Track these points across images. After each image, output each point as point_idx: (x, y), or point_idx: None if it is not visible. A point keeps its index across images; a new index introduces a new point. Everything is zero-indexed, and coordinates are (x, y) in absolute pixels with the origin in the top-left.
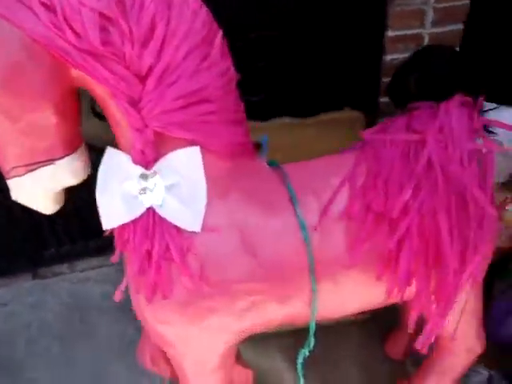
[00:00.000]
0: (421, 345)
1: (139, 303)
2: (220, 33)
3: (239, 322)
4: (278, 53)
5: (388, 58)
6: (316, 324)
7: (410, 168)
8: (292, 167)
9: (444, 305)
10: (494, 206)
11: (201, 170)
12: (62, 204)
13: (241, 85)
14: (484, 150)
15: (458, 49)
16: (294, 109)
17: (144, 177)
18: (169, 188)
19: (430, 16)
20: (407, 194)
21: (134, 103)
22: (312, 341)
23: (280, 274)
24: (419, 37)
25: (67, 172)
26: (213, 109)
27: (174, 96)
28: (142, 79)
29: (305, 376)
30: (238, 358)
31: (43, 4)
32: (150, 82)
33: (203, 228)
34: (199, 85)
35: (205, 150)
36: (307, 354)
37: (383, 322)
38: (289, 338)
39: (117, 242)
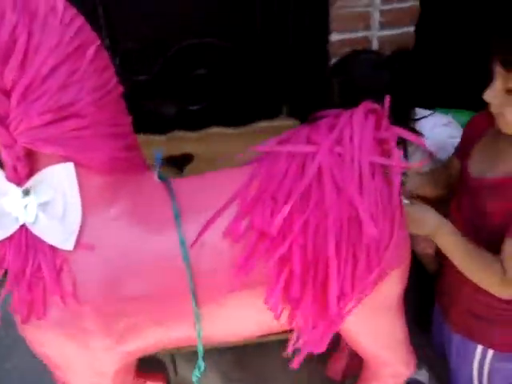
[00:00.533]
0: (295, 364)
1: (19, 324)
2: (94, 45)
3: (121, 345)
4: (218, 60)
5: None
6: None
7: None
8: (184, 181)
9: (322, 329)
10: (400, 224)
11: (75, 186)
12: None
13: (180, 93)
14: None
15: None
16: (234, 117)
17: (16, 194)
18: (42, 205)
19: (377, 19)
20: (286, 210)
21: (2, 120)
22: (202, 364)
23: (157, 297)
24: (367, 40)
25: None
26: (85, 124)
27: (39, 111)
28: (8, 95)
29: None
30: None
31: None
32: (14, 98)
33: (77, 246)
34: (68, 100)
35: (80, 166)
36: (198, 376)
37: None
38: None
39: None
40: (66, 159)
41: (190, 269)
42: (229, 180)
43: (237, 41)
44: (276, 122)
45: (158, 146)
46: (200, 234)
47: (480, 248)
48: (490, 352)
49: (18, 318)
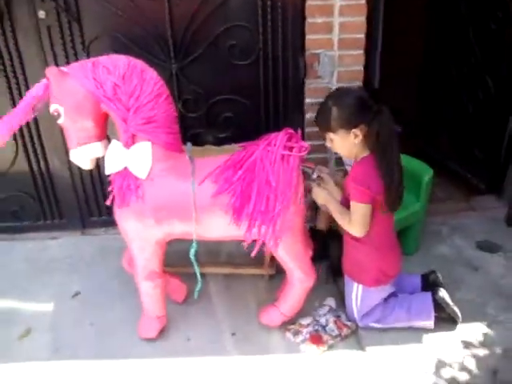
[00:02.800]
0: (254, 254)
1: (116, 212)
2: (166, 93)
3: (160, 226)
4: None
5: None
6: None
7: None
8: (199, 159)
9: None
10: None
11: (149, 151)
12: (93, 167)
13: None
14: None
15: None
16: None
17: (125, 152)
18: (134, 158)
19: None
20: (238, 174)
21: (126, 121)
22: (195, 245)
23: (180, 207)
24: None
25: (97, 148)
26: (157, 126)
27: (140, 118)
28: (129, 111)
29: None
30: (176, 277)
31: (94, 78)
32: (130, 112)
33: (146, 178)
34: (151, 114)
35: (153, 144)
36: (194, 255)
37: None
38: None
39: (112, 182)
40: (147, 140)
41: (194, 196)
42: (221, 160)
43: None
44: None
45: (195, 152)
46: (201, 181)
47: (344, 208)
48: (360, 286)
49: (116, 207)
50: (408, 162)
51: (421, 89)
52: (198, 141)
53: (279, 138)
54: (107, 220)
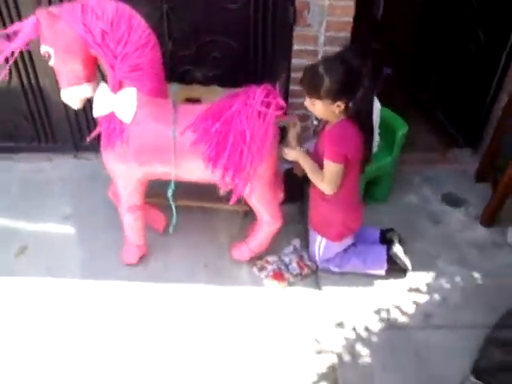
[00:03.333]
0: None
1: (102, 152)
2: (153, 39)
3: (142, 167)
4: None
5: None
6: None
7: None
8: (183, 106)
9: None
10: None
11: (135, 97)
12: (81, 106)
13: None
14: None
15: None
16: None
17: (113, 97)
18: (119, 103)
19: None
20: (207, 123)
21: (113, 67)
22: (173, 185)
23: (161, 151)
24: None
25: (86, 89)
26: (142, 73)
27: (125, 65)
28: (116, 58)
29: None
30: (156, 208)
31: (83, 23)
32: (118, 59)
33: (131, 122)
34: (137, 62)
35: (138, 90)
36: (171, 192)
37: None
38: None
39: (99, 124)
40: (133, 86)
41: (174, 142)
42: (201, 108)
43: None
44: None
45: (182, 91)
46: (184, 130)
47: (317, 166)
48: (324, 239)
49: (102, 148)
50: (386, 114)
51: (418, 33)
52: (186, 78)
53: (257, 93)
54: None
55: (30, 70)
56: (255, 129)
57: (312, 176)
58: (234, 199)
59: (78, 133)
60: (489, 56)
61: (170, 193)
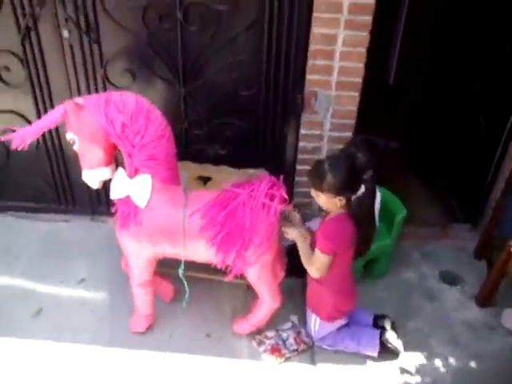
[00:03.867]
0: (229, 278)
1: (117, 232)
2: (169, 131)
3: (153, 248)
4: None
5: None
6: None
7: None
8: (194, 192)
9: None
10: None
11: (149, 184)
12: (100, 186)
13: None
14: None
15: None
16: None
17: (129, 182)
18: (135, 188)
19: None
20: (222, 215)
21: (130, 156)
22: (182, 265)
23: (170, 235)
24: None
25: (105, 172)
26: (157, 163)
27: (142, 155)
28: (134, 147)
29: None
30: (166, 279)
31: (105, 115)
32: (135, 148)
33: (145, 207)
34: (154, 151)
35: (152, 177)
36: (181, 271)
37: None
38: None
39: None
40: (148, 174)
41: (184, 226)
42: (209, 195)
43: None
44: (255, 171)
45: (195, 170)
46: (191, 214)
47: (309, 249)
48: (318, 319)
49: (117, 228)
50: (386, 196)
51: (425, 106)
52: (200, 155)
53: (262, 185)
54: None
55: (55, 139)
56: (258, 220)
57: (303, 258)
58: (230, 277)
59: (95, 197)
60: (488, 140)
61: (180, 272)
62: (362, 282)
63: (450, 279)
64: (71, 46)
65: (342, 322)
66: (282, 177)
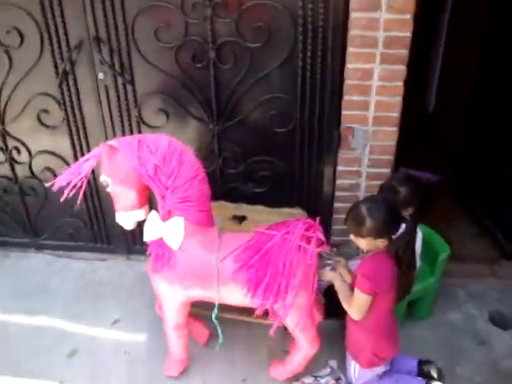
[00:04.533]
0: (272, 332)
1: (150, 274)
2: (202, 172)
3: (185, 291)
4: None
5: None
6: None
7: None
8: (227, 234)
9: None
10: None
11: (182, 226)
12: (134, 226)
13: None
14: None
15: None
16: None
17: (162, 225)
18: (169, 230)
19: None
20: (254, 259)
21: (164, 198)
22: (216, 308)
23: (203, 278)
24: None
25: (139, 214)
26: (191, 205)
27: (175, 197)
28: (167, 190)
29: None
30: (200, 321)
31: (138, 157)
32: (168, 190)
33: (178, 249)
34: (187, 194)
35: (185, 220)
36: (215, 315)
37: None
38: None
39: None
40: (181, 216)
41: (217, 270)
42: (245, 238)
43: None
44: (292, 210)
45: (230, 209)
46: (224, 258)
47: (349, 291)
48: (357, 365)
49: (150, 270)
50: (428, 234)
51: (468, 133)
52: (235, 193)
53: (298, 227)
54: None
55: (91, 179)
56: (294, 262)
57: (342, 300)
58: (273, 330)
59: (130, 236)
60: None
61: (214, 316)
62: (405, 325)
63: (502, 322)
64: (106, 87)
65: (382, 368)
66: (318, 218)
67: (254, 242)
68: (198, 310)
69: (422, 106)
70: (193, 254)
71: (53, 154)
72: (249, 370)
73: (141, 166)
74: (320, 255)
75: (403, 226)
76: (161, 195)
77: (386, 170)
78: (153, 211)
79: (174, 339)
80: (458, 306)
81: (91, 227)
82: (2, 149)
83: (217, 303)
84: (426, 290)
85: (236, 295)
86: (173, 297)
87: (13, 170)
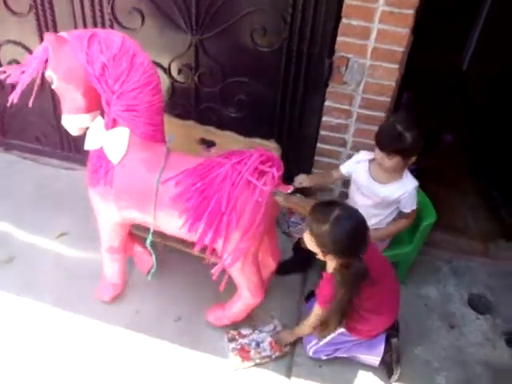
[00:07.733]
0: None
1: (88, 187)
2: (155, 81)
3: (120, 212)
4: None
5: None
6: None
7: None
8: (175, 154)
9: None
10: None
11: (126, 139)
12: (81, 133)
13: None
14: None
15: None
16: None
17: (105, 133)
18: (109, 140)
19: None
20: (199, 184)
21: (109, 104)
22: (150, 234)
23: (140, 199)
24: None
25: (84, 119)
26: (138, 114)
27: (121, 104)
28: (113, 94)
29: None
30: (145, 248)
31: (87, 53)
32: (115, 97)
33: (118, 163)
34: (134, 102)
35: (131, 131)
36: (150, 242)
37: None
38: None
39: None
40: (126, 127)
41: (156, 193)
42: (194, 161)
43: None
44: (266, 142)
45: (198, 131)
46: (166, 180)
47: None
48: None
49: (88, 184)
50: (420, 197)
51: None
52: (209, 114)
53: (252, 159)
54: None
55: None
56: (240, 199)
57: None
58: (216, 271)
59: None
60: None
61: (148, 242)
62: None
63: (480, 306)
64: None
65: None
66: (280, 152)
67: (200, 168)
68: (142, 234)
69: (456, 64)
70: (133, 171)
71: (20, 44)
72: (187, 309)
73: (88, 64)
74: (275, 194)
75: None
76: (106, 100)
77: (381, 114)
78: (98, 117)
79: (108, 261)
80: (436, 280)
81: (59, 132)
82: None
83: (151, 229)
84: (399, 257)
85: (173, 223)
86: (107, 215)
87: None
